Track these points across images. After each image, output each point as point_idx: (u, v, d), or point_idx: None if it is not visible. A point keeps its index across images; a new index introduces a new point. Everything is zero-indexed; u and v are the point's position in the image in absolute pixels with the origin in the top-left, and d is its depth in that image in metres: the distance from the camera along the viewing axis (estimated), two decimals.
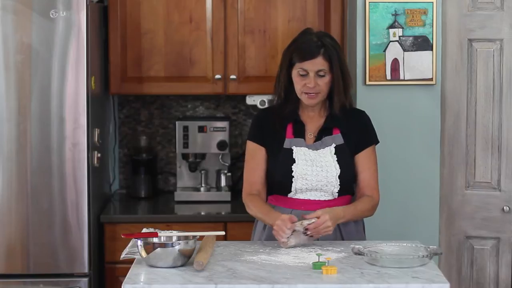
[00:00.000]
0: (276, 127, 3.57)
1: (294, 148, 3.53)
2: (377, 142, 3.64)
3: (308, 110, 3.58)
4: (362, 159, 3.57)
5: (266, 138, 3.59)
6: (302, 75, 3.48)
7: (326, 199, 3.54)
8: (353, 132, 3.57)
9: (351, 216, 3.49)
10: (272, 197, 3.62)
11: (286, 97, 3.57)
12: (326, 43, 3.48)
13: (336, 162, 3.51)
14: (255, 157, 3.60)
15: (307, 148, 3.53)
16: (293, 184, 3.52)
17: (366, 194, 3.57)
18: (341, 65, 3.50)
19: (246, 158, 3.64)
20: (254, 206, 3.54)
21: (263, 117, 3.65)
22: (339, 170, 3.51)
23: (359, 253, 3.17)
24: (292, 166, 3.51)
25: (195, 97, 4.98)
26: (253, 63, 4.65)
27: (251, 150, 3.63)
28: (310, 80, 3.47)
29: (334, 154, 3.52)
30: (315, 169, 3.50)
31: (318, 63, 3.46)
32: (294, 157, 3.52)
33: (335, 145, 3.54)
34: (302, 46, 3.49)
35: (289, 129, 3.57)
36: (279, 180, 3.55)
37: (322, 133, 3.56)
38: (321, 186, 3.51)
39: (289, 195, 3.55)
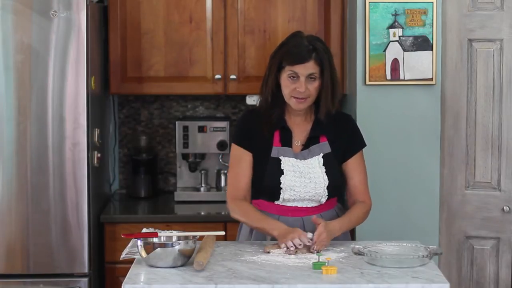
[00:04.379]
0: (265, 134, 3.51)
1: (282, 158, 3.49)
2: (364, 145, 3.60)
3: (295, 115, 3.53)
4: (352, 165, 3.55)
5: (253, 143, 3.54)
6: (292, 78, 3.43)
7: (313, 206, 3.52)
8: (340, 139, 3.53)
9: (346, 228, 3.48)
10: (258, 202, 3.57)
11: (273, 102, 3.51)
12: (317, 47, 3.43)
13: (325, 174, 3.48)
14: (241, 162, 3.54)
15: (295, 159, 3.48)
16: (281, 195, 3.49)
17: (358, 201, 3.55)
18: (331, 70, 3.45)
19: (232, 162, 3.58)
20: (248, 212, 3.48)
21: (250, 120, 3.58)
22: (327, 181, 3.48)
23: (359, 253, 3.17)
24: (281, 178, 3.47)
25: (195, 97, 4.98)
26: (253, 63, 4.65)
27: (237, 155, 3.56)
28: (301, 84, 3.41)
29: (323, 165, 3.49)
30: (303, 180, 3.47)
31: (310, 67, 3.41)
32: (282, 167, 3.48)
33: (322, 154, 3.50)
34: (294, 50, 3.43)
35: (276, 136, 3.52)
36: (267, 189, 3.52)
37: (309, 142, 3.52)
38: (309, 197, 3.49)
39: (276, 202, 3.53)
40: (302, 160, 3.49)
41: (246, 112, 3.71)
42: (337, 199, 3.62)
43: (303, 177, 3.47)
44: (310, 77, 3.42)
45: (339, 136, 3.53)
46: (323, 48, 3.45)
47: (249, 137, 3.55)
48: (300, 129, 3.54)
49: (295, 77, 3.42)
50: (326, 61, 3.43)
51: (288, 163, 3.49)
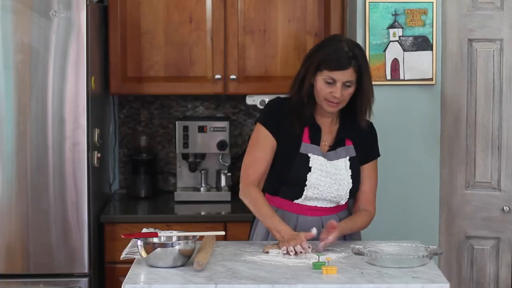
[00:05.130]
0: (295, 128, 3.49)
1: (311, 155, 3.48)
2: (379, 155, 3.62)
3: (323, 115, 3.52)
4: (366, 171, 3.55)
5: (281, 132, 3.51)
6: (328, 83, 3.41)
7: (331, 206, 3.53)
8: (362, 144, 3.54)
9: (349, 231, 3.50)
10: (276, 199, 3.55)
11: (307, 100, 3.49)
12: (357, 54, 3.41)
13: (350, 177, 3.49)
14: (265, 147, 3.50)
15: (323, 158, 3.48)
16: (304, 192, 3.49)
17: (364, 208, 3.56)
18: (370, 77, 3.45)
19: (253, 143, 3.54)
20: (259, 204, 3.46)
21: (281, 109, 3.54)
22: (351, 184, 3.49)
23: (359, 253, 3.16)
24: (307, 175, 3.47)
25: (195, 97, 4.98)
26: (253, 63, 4.65)
27: (262, 137, 3.52)
28: (337, 89, 3.39)
29: (349, 168, 3.50)
30: (328, 181, 3.47)
31: (348, 74, 3.39)
32: (310, 165, 3.47)
33: (349, 157, 3.51)
34: (334, 56, 3.40)
35: (306, 132, 3.51)
36: (291, 184, 3.50)
37: (336, 144, 3.52)
38: (330, 198, 3.50)
39: (296, 201, 3.52)
40: (330, 161, 3.49)
41: (278, 99, 3.61)
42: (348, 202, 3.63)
43: (329, 178, 3.47)
44: (346, 83, 3.41)
45: (362, 141, 3.54)
46: (362, 55, 3.43)
47: (278, 124, 3.51)
48: (326, 129, 3.54)
49: (332, 82, 3.41)
50: (365, 69, 3.42)
51: (316, 161, 3.48)
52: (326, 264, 3.04)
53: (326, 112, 3.49)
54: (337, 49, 3.42)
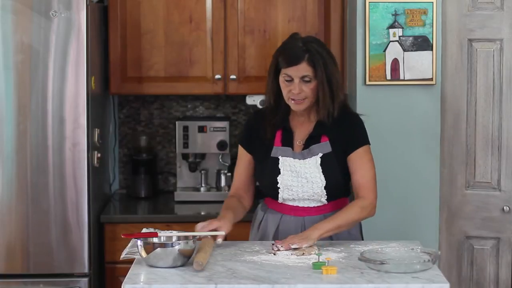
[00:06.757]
0: (266, 134, 3.54)
1: (280, 158, 3.50)
2: (367, 143, 3.52)
3: (298, 115, 3.53)
4: (354, 160, 3.48)
5: (254, 144, 3.57)
6: (287, 81, 3.43)
7: (315, 206, 3.52)
8: (341, 138, 3.48)
9: (334, 227, 3.37)
10: (267, 200, 3.62)
11: (276, 102, 3.52)
12: (311, 48, 3.40)
13: (321, 174, 3.46)
14: (240, 162, 3.64)
15: (292, 158, 3.48)
16: (279, 195, 3.51)
17: (360, 196, 3.46)
18: (327, 71, 3.40)
19: (236, 161, 3.68)
20: (223, 207, 3.58)
21: (254, 121, 3.62)
22: (325, 181, 3.46)
23: (367, 260, 3.12)
24: (278, 177, 3.49)
25: (195, 97, 4.98)
26: (253, 63, 4.65)
27: (239, 154, 3.65)
28: (295, 86, 3.41)
29: (320, 164, 3.46)
30: (300, 180, 3.47)
31: (302, 69, 3.40)
32: (279, 167, 3.49)
33: (321, 154, 3.48)
34: (287, 52, 3.43)
35: (278, 136, 3.53)
36: (266, 189, 3.57)
37: (310, 141, 3.50)
38: (307, 197, 3.49)
39: (279, 200, 3.55)
40: (301, 160, 3.49)
41: (253, 112, 3.75)
42: (347, 201, 3.59)
43: (300, 177, 3.47)
44: (304, 79, 3.42)
45: (341, 134, 3.49)
46: (317, 50, 3.41)
47: (250, 138, 3.59)
48: (303, 128, 3.54)
49: (290, 79, 3.43)
50: (319, 62, 3.40)
51: (285, 163, 3.49)
52: (326, 264, 3.04)
53: (297, 111, 3.51)
54: (291, 46, 3.46)
